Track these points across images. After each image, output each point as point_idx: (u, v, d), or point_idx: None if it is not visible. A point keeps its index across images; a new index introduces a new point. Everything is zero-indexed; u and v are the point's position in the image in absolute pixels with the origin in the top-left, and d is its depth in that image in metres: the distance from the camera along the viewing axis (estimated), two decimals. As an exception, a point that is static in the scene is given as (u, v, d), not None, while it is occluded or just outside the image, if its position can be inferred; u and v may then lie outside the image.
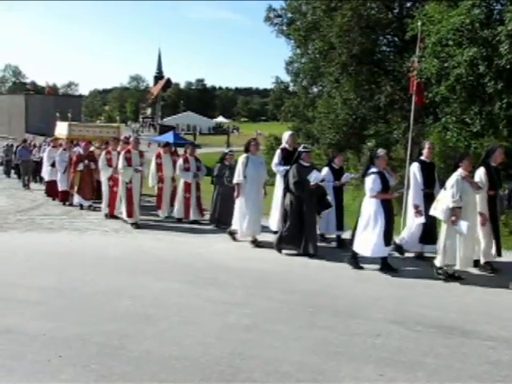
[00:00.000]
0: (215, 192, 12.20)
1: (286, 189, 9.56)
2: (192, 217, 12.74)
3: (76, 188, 14.91)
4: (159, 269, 8.28)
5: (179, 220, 12.77)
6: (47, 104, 65.07)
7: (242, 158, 10.16)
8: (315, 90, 33.14)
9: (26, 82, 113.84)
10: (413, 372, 4.79)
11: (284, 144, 10.91)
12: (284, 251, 9.58)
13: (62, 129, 18.36)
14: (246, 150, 10.35)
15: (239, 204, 10.12)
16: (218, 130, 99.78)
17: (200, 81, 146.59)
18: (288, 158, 10.26)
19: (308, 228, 9.35)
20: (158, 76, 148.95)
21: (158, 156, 13.28)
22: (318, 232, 10.18)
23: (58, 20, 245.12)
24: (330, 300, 6.87)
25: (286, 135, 11.11)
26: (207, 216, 12.73)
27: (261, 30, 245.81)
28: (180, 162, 12.91)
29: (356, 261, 8.60)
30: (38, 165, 22.13)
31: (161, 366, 4.75)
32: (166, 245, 10.29)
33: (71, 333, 5.46)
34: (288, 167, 9.81)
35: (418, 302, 7.00)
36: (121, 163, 11.97)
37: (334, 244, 10.44)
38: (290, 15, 32.47)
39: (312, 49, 28.02)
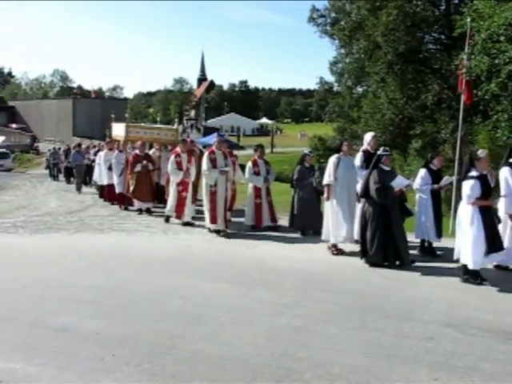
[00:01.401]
0: (295, 196, 11.44)
1: (365, 195, 8.87)
2: (264, 223, 12.03)
3: (132, 189, 14.34)
4: (208, 270, 8.33)
5: (252, 227, 12.02)
6: (94, 107, 66.29)
7: (333, 159, 9.66)
8: (360, 89, 32.96)
9: (72, 87, 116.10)
10: (468, 377, 4.67)
11: (366, 146, 10.20)
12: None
13: (118, 130, 17.51)
14: (338, 151, 9.84)
15: (330, 207, 9.61)
16: (262, 131, 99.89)
17: (243, 82, 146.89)
18: (370, 160, 9.49)
19: (399, 238, 8.54)
20: (202, 78, 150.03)
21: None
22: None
23: (102, 24, 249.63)
24: (380, 301, 6.79)
25: (368, 136, 10.34)
26: (280, 222, 12.28)
27: (304, 30, 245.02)
28: (249, 165, 12.18)
29: (473, 275, 7.70)
30: (88, 168, 22.49)
31: (212, 366, 4.76)
32: (215, 246, 10.35)
33: (123, 332, 5.54)
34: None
35: (471, 304, 6.84)
36: (205, 165, 11.26)
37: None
38: (333, 15, 32.40)
39: (357, 48, 27.87)
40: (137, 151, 14.63)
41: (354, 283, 7.72)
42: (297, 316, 6.12)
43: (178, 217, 12.48)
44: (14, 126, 66.79)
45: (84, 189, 21.94)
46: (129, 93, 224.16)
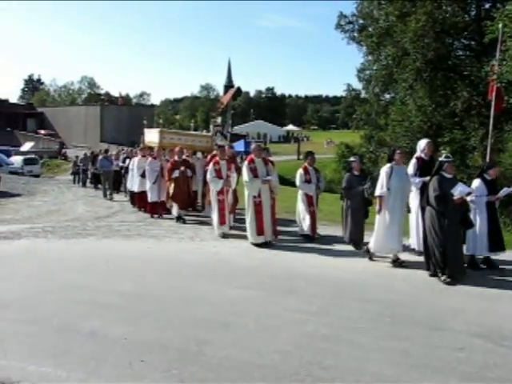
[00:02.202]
0: (345, 206, 10.86)
1: (426, 203, 8.56)
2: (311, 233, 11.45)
3: (171, 197, 13.97)
4: (236, 276, 8.32)
5: (307, 237, 11.41)
6: (121, 114, 67.07)
7: (385, 168, 9.24)
8: (387, 96, 32.71)
9: (100, 93, 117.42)
10: (501, 388, 4.59)
11: (419, 153, 9.84)
12: (363, 258, 9.47)
13: (152, 136, 17.05)
14: (390, 160, 9.40)
15: (382, 219, 9.20)
16: (288, 138, 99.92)
17: (270, 89, 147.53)
18: (424, 168, 9.45)
19: (452, 248, 8.17)
20: (228, 85, 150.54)
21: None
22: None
23: (129, 32, 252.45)
24: (408, 310, 6.70)
25: (422, 143, 9.96)
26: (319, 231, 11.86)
27: (331, 37, 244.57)
28: (300, 172, 11.64)
29: None
30: (118, 174, 22.46)
31: (240, 373, 4.75)
32: (242, 252, 10.32)
33: (151, 337, 5.55)
34: (424, 179, 9.16)
35: (503, 314, 6.72)
36: (246, 175, 10.75)
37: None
38: (361, 21, 32.20)
39: (384, 55, 27.66)
40: (175, 157, 14.14)
41: (382, 291, 7.62)
42: (325, 324, 6.08)
43: (223, 222, 11.85)
44: (42, 132, 67.88)
45: (116, 196, 21.64)
46: (156, 99, 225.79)
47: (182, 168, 13.80)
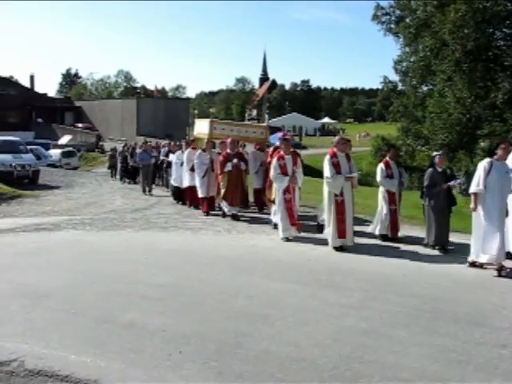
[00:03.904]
0: (427, 205, 9.98)
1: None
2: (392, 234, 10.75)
3: (223, 192, 13.08)
4: (273, 269, 8.29)
5: (384, 237, 10.73)
6: (157, 107, 67.73)
7: (484, 163, 8.43)
8: (425, 88, 32.33)
9: (136, 87, 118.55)
10: (548, 387, 4.47)
11: None
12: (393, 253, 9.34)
13: (202, 127, 15.83)
14: (491, 154, 8.63)
15: (477, 220, 8.43)
16: (324, 131, 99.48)
17: (305, 82, 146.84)
18: None
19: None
20: (264, 78, 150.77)
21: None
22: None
23: (164, 25, 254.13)
24: (449, 306, 6.59)
25: None
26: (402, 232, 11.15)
27: (368, 28, 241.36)
28: (381, 167, 10.89)
29: None
30: (156, 167, 22.39)
31: (278, 367, 4.73)
32: (280, 245, 10.28)
33: (190, 330, 5.57)
34: None
35: (547, 311, 6.56)
36: (328, 171, 9.77)
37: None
38: (398, 12, 31.81)
39: (422, 46, 27.29)
40: (227, 149, 13.29)
41: (422, 286, 7.50)
42: (364, 318, 6.01)
43: (298, 228, 10.75)
44: (80, 125, 68.92)
45: (156, 191, 21.32)
46: (191, 92, 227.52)
47: (235, 161, 12.91)
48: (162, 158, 21.95)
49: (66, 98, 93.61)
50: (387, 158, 11.10)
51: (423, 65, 28.14)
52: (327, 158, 9.97)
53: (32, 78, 78.57)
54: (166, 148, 22.06)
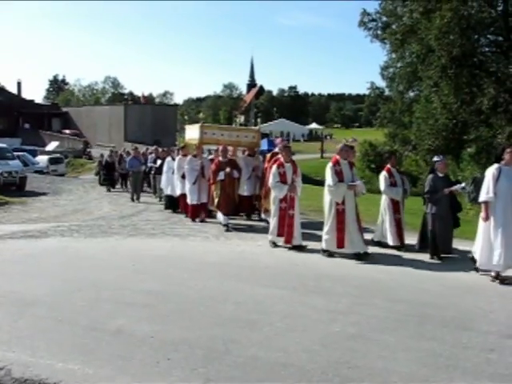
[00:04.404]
0: (428, 211, 9.72)
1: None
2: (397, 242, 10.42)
3: (216, 202, 12.82)
4: (262, 275, 8.29)
5: (398, 247, 10.37)
6: (145, 113, 67.64)
7: (492, 170, 8.17)
8: (411, 94, 32.53)
9: (123, 93, 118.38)
10: (535, 390, 4.50)
11: None
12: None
13: (192, 132, 15.40)
14: (498, 160, 8.32)
15: (486, 228, 8.17)
16: (311, 136, 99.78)
17: (292, 88, 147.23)
18: None
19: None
20: (251, 84, 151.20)
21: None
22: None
23: (151, 32, 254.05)
24: (437, 310, 6.61)
25: None
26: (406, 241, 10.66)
27: (354, 35, 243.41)
28: (385, 175, 10.65)
29: None
30: (146, 174, 22.05)
31: (267, 373, 4.72)
32: (267, 251, 10.27)
33: (178, 336, 5.54)
34: None
35: (533, 315, 6.60)
36: (330, 179, 9.53)
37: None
38: (384, 19, 32.00)
39: (409, 52, 27.47)
40: (219, 157, 13.03)
41: (410, 291, 7.54)
42: (352, 323, 6.02)
43: (288, 241, 10.30)
44: (67, 131, 68.66)
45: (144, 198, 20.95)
46: (179, 99, 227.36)
47: (228, 169, 12.58)
48: (149, 164, 21.72)
49: (53, 104, 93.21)
50: (388, 166, 10.84)
51: (410, 71, 28.34)
52: (329, 165, 9.74)
53: (19, 84, 78.30)
54: (153, 154, 21.83)
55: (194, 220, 13.88)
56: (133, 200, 20.24)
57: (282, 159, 10.67)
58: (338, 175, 9.56)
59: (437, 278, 8.35)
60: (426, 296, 7.30)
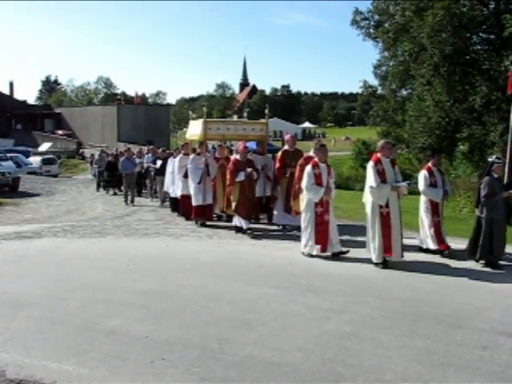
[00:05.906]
0: (484, 216, 8.95)
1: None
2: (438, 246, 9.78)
3: (234, 205, 11.82)
4: (256, 274, 8.29)
5: (433, 251, 9.79)
6: (138, 113, 67.49)
7: None
8: (404, 92, 32.50)
9: (116, 93, 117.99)
10: (528, 387, 4.53)
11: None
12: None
13: (195, 128, 14.20)
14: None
15: None
16: (305, 135, 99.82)
17: (285, 87, 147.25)
18: None
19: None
20: (244, 83, 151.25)
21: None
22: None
23: (145, 31, 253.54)
24: (431, 308, 6.64)
25: None
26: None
27: (347, 33, 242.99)
28: (425, 174, 9.95)
29: None
30: (140, 176, 21.12)
31: (262, 372, 4.74)
32: (261, 251, 10.27)
33: (172, 336, 5.56)
34: None
35: (527, 312, 6.63)
36: (373, 180, 8.73)
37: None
38: (377, 17, 31.93)
39: (401, 51, 27.41)
40: (237, 156, 12.18)
41: (403, 289, 7.56)
42: (346, 322, 6.04)
43: (323, 249, 9.53)
44: (60, 132, 68.47)
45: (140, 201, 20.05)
46: (172, 98, 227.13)
47: (249, 170, 11.68)
48: (147, 164, 20.63)
49: (45, 104, 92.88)
50: (430, 165, 10.17)
51: (402, 69, 28.27)
52: (371, 164, 8.95)
53: (11, 84, 77.97)
54: (150, 154, 20.95)
55: (196, 222, 13.10)
56: (126, 202, 19.01)
57: (316, 159, 9.87)
58: (381, 175, 8.79)
59: (429, 276, 8.29)
60: (420, 294, 7.32)
